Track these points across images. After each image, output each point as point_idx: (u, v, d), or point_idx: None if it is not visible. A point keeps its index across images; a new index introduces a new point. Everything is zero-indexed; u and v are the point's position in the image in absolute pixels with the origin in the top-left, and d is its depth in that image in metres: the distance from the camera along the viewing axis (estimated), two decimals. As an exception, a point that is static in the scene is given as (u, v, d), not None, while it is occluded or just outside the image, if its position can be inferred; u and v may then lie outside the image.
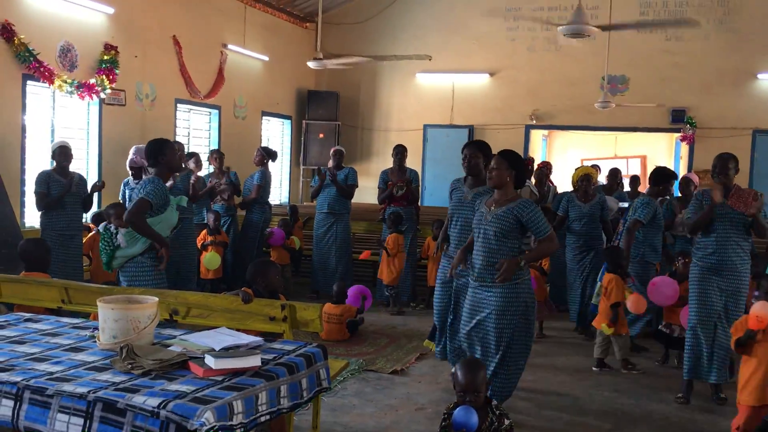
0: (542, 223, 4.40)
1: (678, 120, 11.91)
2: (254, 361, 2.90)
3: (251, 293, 4.02)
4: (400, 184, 7.98)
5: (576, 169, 7.52)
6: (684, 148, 12.31)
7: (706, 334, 5.07)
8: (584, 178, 7.16)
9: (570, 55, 12.22)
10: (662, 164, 10.36)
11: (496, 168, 4.48)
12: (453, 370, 3.29)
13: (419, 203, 8.66)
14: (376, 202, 8.41)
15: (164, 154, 4.95)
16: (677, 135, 12.35)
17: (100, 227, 4.92)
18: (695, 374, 5.16)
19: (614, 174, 8.87)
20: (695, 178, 7.63)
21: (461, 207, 5.12)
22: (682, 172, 12.14)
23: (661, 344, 6.17)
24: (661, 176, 6.55)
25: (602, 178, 10.11)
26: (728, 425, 4.27)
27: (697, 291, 5.15)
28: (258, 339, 3.25)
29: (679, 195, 7.46)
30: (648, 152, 14.90)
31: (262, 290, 4.18)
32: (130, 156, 6.99)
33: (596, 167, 10.38)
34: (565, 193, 7.50)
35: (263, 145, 10.93)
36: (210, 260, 7.85)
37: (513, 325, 4.42)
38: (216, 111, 10.69)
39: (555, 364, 6.13)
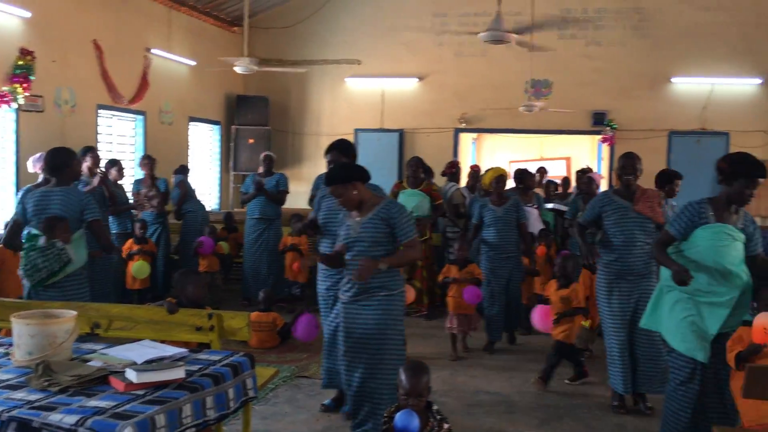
0: (408, 226, 4.04)
1: (599, 122, 12.32)
2: (178, 373, 2.86)
3: (175, 303, 3.95)
4: None
5: (487, 171, 7.09)
6: (605, 149, 12.73)
7: (623, 342, 4.88)
8: (498, 179, 6.79)
9: (496, 60, 12.47)
10: (586, 165, 10.73)
11: (338, 196, 4.09)
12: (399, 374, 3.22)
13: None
14: (308, 206, 8.36)
15: (70, 165, 4.82)
16: (599, 137, 12.77)
17: (41, 242, 4.56)
18: (632, 388, 4.95)
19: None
20: (598, 178, 7.93)
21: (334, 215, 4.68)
22: (604, 172, 12.60)
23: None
24: (665, 177, 6.44)
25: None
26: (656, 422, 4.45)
27: (606, 300, 4.97)
28: (182, 350, 3.21)
29: (584, 193, 7.73)
30: (572, 154, 15.32)
31: (185, 301, 4.11)
32: (33, 163, 6.73)
33: (542, 169, 10.43)
34: (476, 198, 7.17)
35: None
36: (139, 269, 7.64)
37: (389, 339, 4.07)
38: (141, 117, 10.44)
39: (483, 363, 6.26)
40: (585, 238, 5.24)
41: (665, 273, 3.99)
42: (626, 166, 4.95)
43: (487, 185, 6.90)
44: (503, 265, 6.64)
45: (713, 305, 3.79)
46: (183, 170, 9.41)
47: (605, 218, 4.99)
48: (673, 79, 12.11)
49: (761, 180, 3.84)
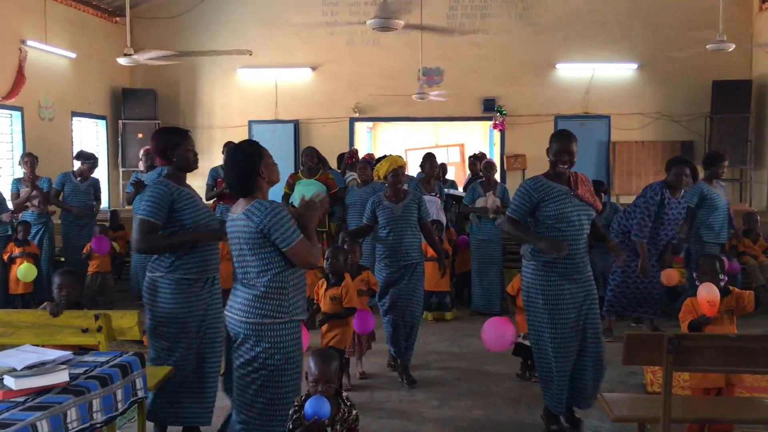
0: (287, 230, 3.21)
1: (489, 109, 12.67)
2: (61, 377, 2.74)
3: (58, 305, 3.78)
4: None
5: (381, 161, 5.74)
6: (497, 134, 13.11)
7: (568, 358, 4.12)
8: (395, 172, 5.39)
9: (388, 48, 12.58)
10: (480, 150, 11.01)
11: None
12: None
13: None
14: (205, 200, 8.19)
15: None
16: (490, 123, 13.13)
17: None
18: (571, 403, 4.29)
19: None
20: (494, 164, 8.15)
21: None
22: (496, 157, 12.98)
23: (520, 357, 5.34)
24: (711, 158, 6.74)
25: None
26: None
27: (546, 307, 4.10)
28: (66, 353, 3.07)
29: (482, 179, 7.94)
30: (465, 140, 15.72)
31: (64, 303, 3.91)
32: None
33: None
34: (373, 197, 5.61)
35: (77, 148, 10.27)
36: (26, 272, 7.19)
37: None
38: (18, 112, 9.86)
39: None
40: (530, 231, 4.20)
41: None
42: (562, 151, 4.13)
43: (381, 178, 5.59)
44: (402, 274, 5.36)
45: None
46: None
47: (543, 207, 4.15)
48: (557, 65, 12.61)
49: None
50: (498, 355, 5.48)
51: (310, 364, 3.12)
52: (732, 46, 9.26)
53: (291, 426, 3.06)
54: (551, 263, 4.09)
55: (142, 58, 8.75)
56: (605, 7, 12.46)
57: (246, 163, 3.29)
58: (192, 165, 3.96)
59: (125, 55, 8.71)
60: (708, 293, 3.77)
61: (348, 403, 3.15)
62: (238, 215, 3.27)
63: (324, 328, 4.92)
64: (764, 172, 11.66)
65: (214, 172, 8.00)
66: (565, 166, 4.14)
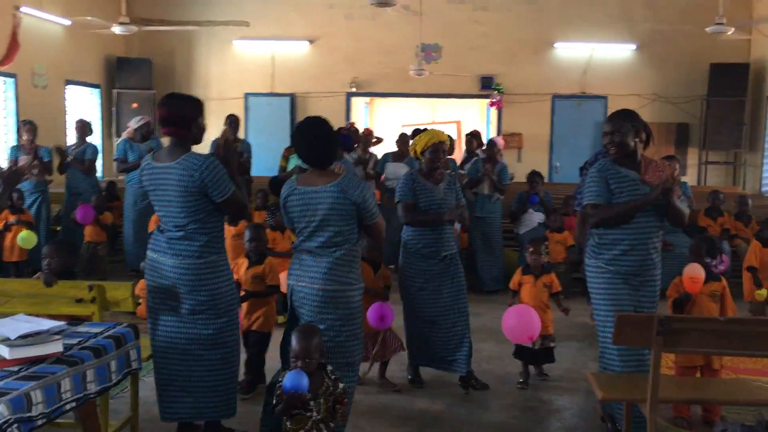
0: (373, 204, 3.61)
1: (487, 87, 12.62)
2: (55, 347, 2.76)
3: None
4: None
5: (419, 134, 4.83)
6: (494, 113, 13.08)
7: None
8: (436, 147, 4.61)
9: (386, 23, 12.47)
10: (475, 129, 10.99)
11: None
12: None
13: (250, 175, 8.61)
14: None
15: None
16: (487, 101, 13.09)
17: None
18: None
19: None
20: (500, 142, 8.07)
21: None
22: (492, 135, 12.94)
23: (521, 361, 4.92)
24: None
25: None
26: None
27: (610, 308, 3.72)
28: (60, 323, 3.08)
29: (485, 156, 7.93)
30: (462, 117, 15.66)
31: (47, 272, 3.91)
32: None
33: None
34: (409, 174, 4.84)
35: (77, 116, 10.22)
36: (26, 239, 7.15)
37: None
38: (11, 80, 9.76)
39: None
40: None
41: None
42: (604, 133, 3.83)
43: (418, 154, 4.73)
44: (436, 268, 4.64)
45: None
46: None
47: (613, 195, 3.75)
48: (555, 44, 12.55)
49: None
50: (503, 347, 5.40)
51: (292, 340, 3.16)
52: (731, 30, 9.24)
53: (274, 401, 3.09)
54: (614, 260, 3.73)
55: (136, 28, 8.65)
56: (605, -14, 12.38)
57: (327, 135, 3.55)
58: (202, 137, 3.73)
59: (120, 23, 8.62)
60: (691, 270, 3.94)
61: (332, 377, 3.19)
62: (322, 187, 3.46)
63: (245, 308, 4.63)
64: (758, 155, 11.69)
65: (214, 145, 7.97)
66: (613, 149, 3.76)
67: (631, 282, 3.73)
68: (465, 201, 4.86)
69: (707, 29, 9.38)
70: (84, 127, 8.38)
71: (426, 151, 4.63)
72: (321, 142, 3.53)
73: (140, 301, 6.30)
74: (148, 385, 4.59)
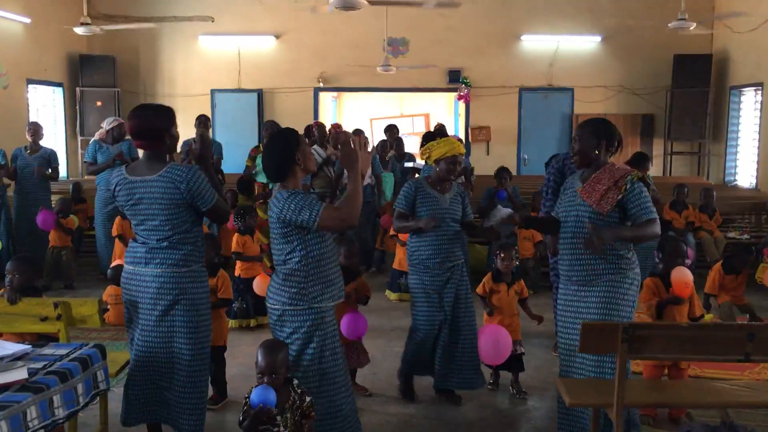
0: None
1: (454, 80, 12.65)
2: (19, 374, 2.72)
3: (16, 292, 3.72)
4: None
5: (437, 141, 4.66)
6: (461, 106, 13.12)
7: None
8: (455, 159, 4.49)
9: (353, 17, 12.33)
10: (443, 121, 11.02)
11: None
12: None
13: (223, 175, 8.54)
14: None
15: None
16: (455, 94, 13.12)
17: None
18: None
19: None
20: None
21: None
22: (461, 128, 13.00)
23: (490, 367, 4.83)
24: (638, 159, 6.17)
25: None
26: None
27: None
28: (25, 347, 3.04)
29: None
30: (431, 110, 15.70)
31: (8, 289, 3.84)
32: None
33: (393, 127, 9.52)
34: (413, 181, 4.67)
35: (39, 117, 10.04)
36: None
37: None
38: (-30, 81, 9.55)
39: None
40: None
41: None
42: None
43: (431, 162, 4.60)
44: (447, 278, 4.50)
45: None
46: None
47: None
48: (522, 37, 12.60)
49: None
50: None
51: (257, 357, 3.15)
52: (693, 25, 9.35)
53: (241, 417, 3.09)
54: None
55: (97, 27, 8.50)
56: (570, -22, 12.45)
57: (284, 149, 3.40)
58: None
59: (82, 24, 8.46)
60: (682, 275, 4.03)
61: (299, 391, 3.20)
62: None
63: None
64: (722, 145, 11.90)
65: (185, 145, 7.87)
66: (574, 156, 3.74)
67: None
68: (472, 216, 4.74)
69: (669, 25, 9.49)
70: (38, 130, 8.17)
71: (442, 161, 4.49)
72: (274, 155, 3.42)
73: (108, 307, 6.28)
74: (117, 396, 4.56)
